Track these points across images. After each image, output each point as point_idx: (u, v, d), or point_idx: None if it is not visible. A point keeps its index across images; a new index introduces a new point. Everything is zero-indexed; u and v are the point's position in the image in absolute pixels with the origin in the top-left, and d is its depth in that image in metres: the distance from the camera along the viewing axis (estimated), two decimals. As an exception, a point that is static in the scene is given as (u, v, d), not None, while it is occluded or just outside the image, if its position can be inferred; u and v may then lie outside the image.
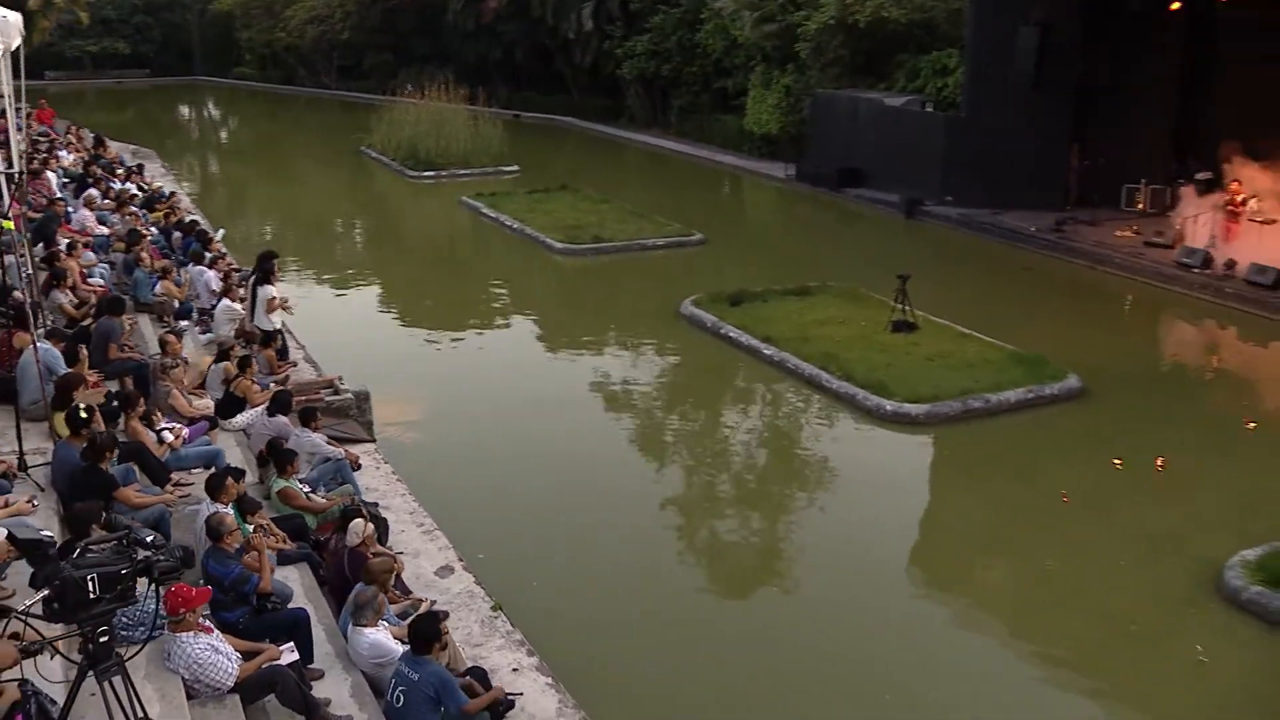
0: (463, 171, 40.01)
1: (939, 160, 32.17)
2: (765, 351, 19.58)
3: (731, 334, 20.59)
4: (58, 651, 5.03)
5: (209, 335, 16.89)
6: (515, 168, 40.90)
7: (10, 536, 5.26)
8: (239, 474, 9.72)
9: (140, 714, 5.06)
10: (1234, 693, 10.48)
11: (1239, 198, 24.67)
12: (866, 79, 38.20)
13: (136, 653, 5.65)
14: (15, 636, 4.97)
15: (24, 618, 4.83)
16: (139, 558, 4.80)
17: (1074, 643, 11.31)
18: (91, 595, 4.64)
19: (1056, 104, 29.72)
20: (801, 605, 12.17)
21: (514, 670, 9.35)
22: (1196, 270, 23.87)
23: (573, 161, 45.13)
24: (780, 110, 41.23)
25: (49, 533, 6.68)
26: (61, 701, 5.68)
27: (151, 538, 4.93)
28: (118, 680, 4.99)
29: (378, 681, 8.35)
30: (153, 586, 5.19)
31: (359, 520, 9.56)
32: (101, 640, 4.79)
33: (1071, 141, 30.07)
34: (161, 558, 4.85)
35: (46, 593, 4.59)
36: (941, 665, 11.01)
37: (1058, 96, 29.61)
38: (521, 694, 8.90)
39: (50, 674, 5.29)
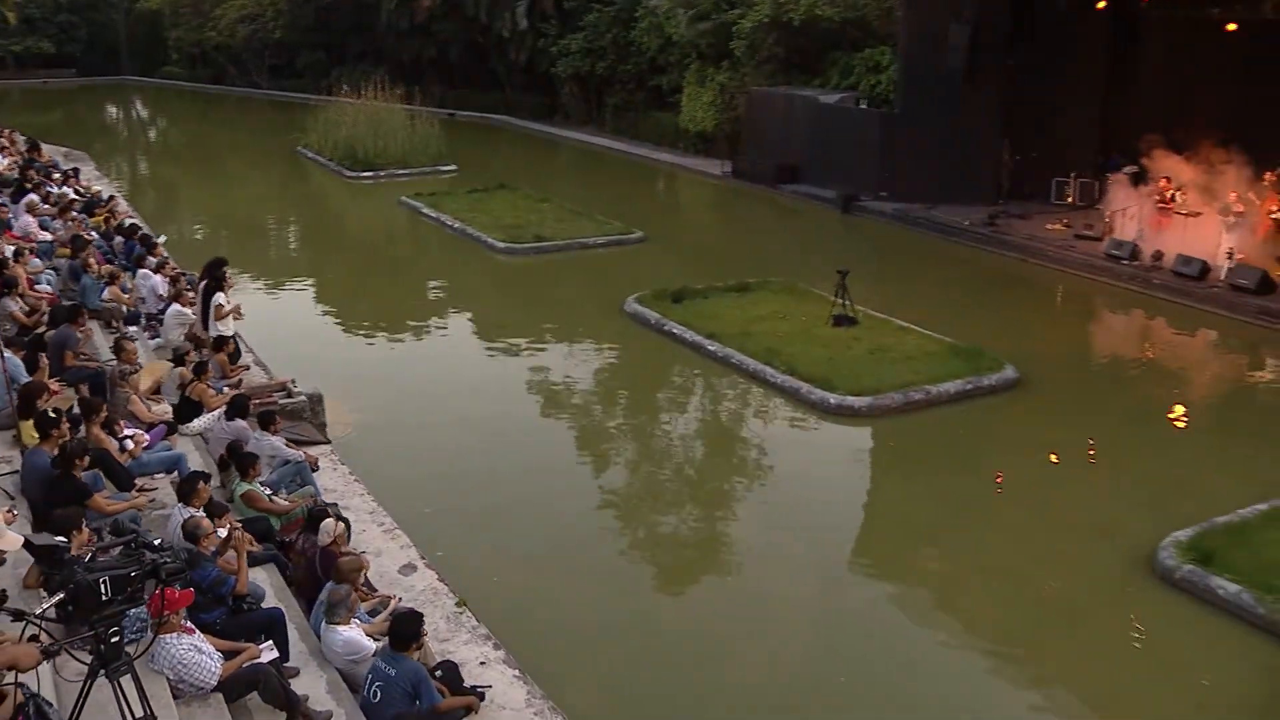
0: (401, 171, 40.01)
1: (873, 156, 32.73)
2: (709, 347, 19.91)
3: (675, 330, 20.90)
4: (71, 654, 5.20)
5: (158, 340, 16.93)
6: (453, 167, 40.94)
7: (27, 543, 5.41)
8: (206, 478, 9.87)
9: (145, 711, 5.24)
10: (1170, 670, 10.95)
11: (1168, 192, 25.36)
12: (801, 76, 38.73)
13: (142, 653, 5.85)
14: (34, 639, 5.13)
15: (39, 621, 4.99)
16: (147, 560, 4.99)
17: (1014, 627, 11.75)
18: (104, 598, 4.83)
19: (987, 100, 30.40)
20: (749, 594, 12.50)
21: (481, 664, 9.60)
22: (1125, 262, 24.55)
23: (509, 160, 45.22)
24: (715, 108, 41.69)
25: (61, 539, 6.83)
26: (56, 702, 5.86)
27: (159, 540, 5.12)
28: (123, 679, 5.19)
29: (351, 678, 8.56)
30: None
31: (330, 520, 9.75)
32: (113, 640, 4.98)
33: (1002, 136, 30.74)
34: (168, 560, 5.05)
35: (62, 596, 4.77)
36: (885, 652, 11.41)
37: (989, 93, 30.29)
38: (490, 686, 9.14)
39: (61, 675, 5.44)
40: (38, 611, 4.82)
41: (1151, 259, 24.30)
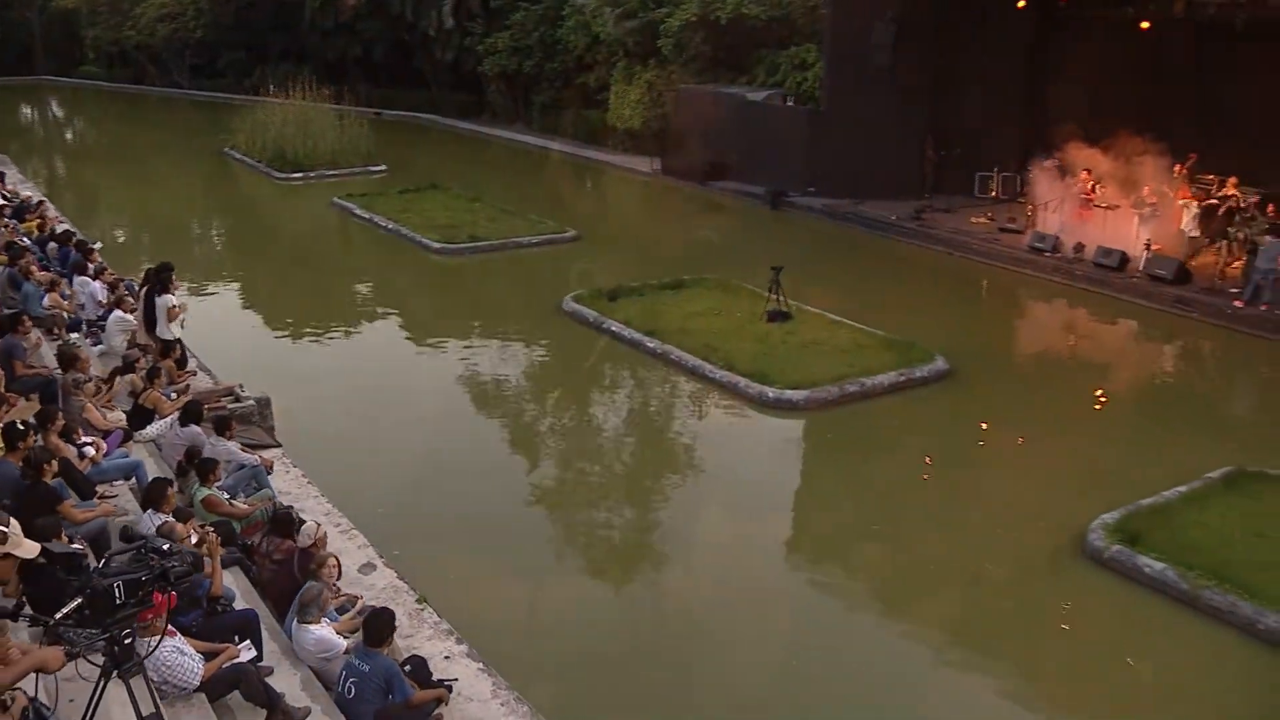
0: (331, 172, 39.78)
1: (801, 153, 33.27)
2: (648, 344, 20.25)
3: (614, 328, 21.22)
4: (85, 657, 5.41)
5: (100, 347, 16.91)
6: (383, 167, 40.82)
7: (44, 551, 5.59)
8: (171, 483, 10.04)
9: (155, 709, 5.48)
10: (1100, 645, 11.51)
11: (1089, 185, 26.15)
12: (727, 74, 39.17)
13: (150, 653, 6.08)
14: (57, 641, 5.34)
15: (60, 625, 5.20)
16: (157, 565, 5.22)
17: (950, 610, 12.27)
18: (118, 601, 5.06)
19: (912, 96, 31.05)
20: (695, 584, 12.90)
21: (446, 658, 9.88)
22: (1048, 254, 25.31)
23: (438, 159, 45.15)
24: (643, 105, 42.00)
25: (79, 546, 6.98)
26: (54, 705, 6.07)
27: (168, 545, 5.35)
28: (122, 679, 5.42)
29: (323, 675, 8.81)
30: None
31: (311, 523, 9.98)
32: (126, 642, 5.21)
33: (927, 132, 31.41)
34: (175, 563, 5.28)
35: (79, 601, 4.99)
36: (825, 636, 11.91)
37: (913, 89, 30.94)
38: (457, 679, 9.43)
39: (68, 675, 5.64)
40: (57, 616, 5.02)
41: (1073, 251, 25.08)
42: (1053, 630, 11.77)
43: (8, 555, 5.21)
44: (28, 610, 5.67)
